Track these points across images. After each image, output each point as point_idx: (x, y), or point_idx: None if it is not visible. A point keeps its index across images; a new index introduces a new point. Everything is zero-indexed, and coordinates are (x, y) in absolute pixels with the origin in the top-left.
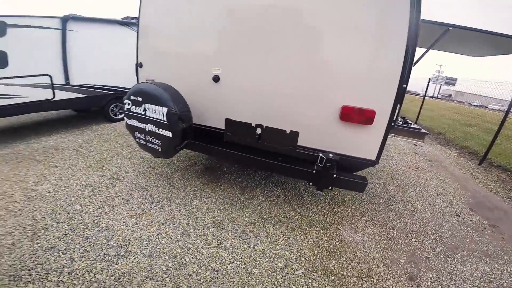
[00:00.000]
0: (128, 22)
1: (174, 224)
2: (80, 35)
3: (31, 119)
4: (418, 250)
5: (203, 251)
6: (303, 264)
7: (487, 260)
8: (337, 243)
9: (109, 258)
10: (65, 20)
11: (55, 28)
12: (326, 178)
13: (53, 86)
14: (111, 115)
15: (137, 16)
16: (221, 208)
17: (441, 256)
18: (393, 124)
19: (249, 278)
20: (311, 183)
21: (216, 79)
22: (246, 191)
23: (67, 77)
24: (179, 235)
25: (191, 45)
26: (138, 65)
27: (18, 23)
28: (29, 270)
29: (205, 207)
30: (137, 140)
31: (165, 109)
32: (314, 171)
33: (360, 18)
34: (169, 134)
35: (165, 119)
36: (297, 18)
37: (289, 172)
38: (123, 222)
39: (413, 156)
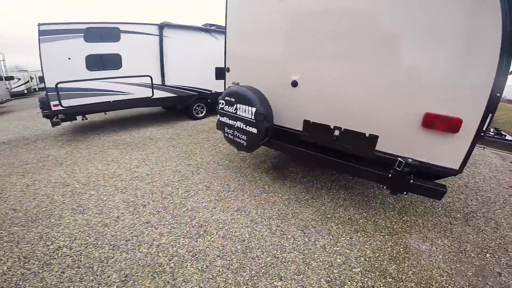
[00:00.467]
0: (209, 29)
1: (245, 212)
2: (173, 40)
3: (131, 114)
4: (491, 265)
5: (267, 238)
6: (362, 263)
7: None
8: (401, 249)
9: (191, 235)
10: (161, 27)
11: (154, 34)
12: (402, 183)
13: (152, 86)
14: (194, 113)
15: (215, 23)
16: (286, 203)
17: None
18: (482, 134)
19: (306, 268)
20: (384, 187)
21: (294, 84)
22: (311, 191)
23: (163, 78)
24: (248, 222)
25: (271, 53)
26: (226, 70)
27: (128, 29)
28: (126, 241)
29: (272, 200)
30: (226, 134)
31: (253, 109)
32: (389, 175)
33: (448, 23)
34: (254, 131)
35: (252, 117)
36: (380, 23)
37: (362, 174)
38: (204, 206)
39: (508, 174)
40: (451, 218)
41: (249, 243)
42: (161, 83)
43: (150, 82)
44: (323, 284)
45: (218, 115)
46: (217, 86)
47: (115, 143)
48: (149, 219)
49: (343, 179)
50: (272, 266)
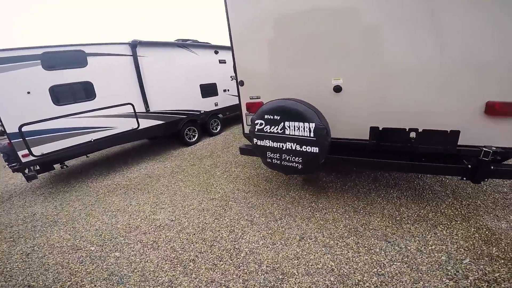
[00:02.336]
0: (186, 44)
1: (311, 239)
2: (149, 59)
3: (112, 151)
4: None
5: (356, 259)
6: (465, 254)
7: None
8: (487, 232)
9: (272, 284)
10: (134, 45)
11: (127, 55)
12: (484, 171)
13: (136, 115)
14: (186, 139)
15: (188, 38)
16: (347, 216)
17: None
18: None
19: (419, 274)
20: (464, 178)
21: (337, 89)
22: (361, 198)
23: (147, 105)
24: (323, 249)
25: (300, 58)
26: (239, 83)
27: (95, 51)
28: None
29: (330, 218)
30: (268, 160)
31: (312, 125)
32: (469, 166)
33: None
34: (315, 150)
35: (312, 135)
36: (435, 11)
37: (440, 171)
38: (262, 244)
39: None
40: (502, 194)
41: (340, 271)
42: (145, 111)
43: (133, 111)
44: (449, 283)
45: (254, 139)
46: (205, 105)
47: (110, 188)
48: (212, 277)
49: (382, 178)
50: (384, 284)
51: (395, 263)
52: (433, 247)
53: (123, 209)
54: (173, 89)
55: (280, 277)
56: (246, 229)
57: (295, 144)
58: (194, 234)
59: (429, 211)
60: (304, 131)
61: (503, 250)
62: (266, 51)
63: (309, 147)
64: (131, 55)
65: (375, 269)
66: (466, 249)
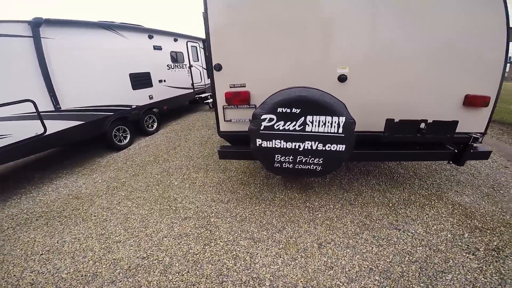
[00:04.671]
0: (112, 25)
1: (329, 243)
2: (59, 43)
3: (2, 167)
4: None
5: (384, 253)
6: (461, 229)
7: None
8: (461, 207)
9: None
10: (37, 24)
11: (24, 36)
12: (467, 154)
13: (40, 115)
14: (115, 141)
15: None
16: (347, 211)
17: None
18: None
19: (443, 253)
20: (450, 161)
21: (342, 78)
22: (347, 189)
23: (56, 101)
24: (348, 250)
25: (304, 40)
26: (215, 68)
27: None
28: None
29: (333, 216)
30: (277, 165)
31: (342, 119)
32: (456, 151)
33: (468, 20)
34: (341, 147)
35: (340, 131)
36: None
37: (435, 156)
38: (282, 263)
39: None
40: (447, 171)
41: (378, 268)
42: (54, 109)
43: (34, 110)
44: (470, 256)
45: (257, 139)
46: (137, 99)
47: (19, 220)
48: None
49: (353, 166)
50: (424, 269)
51: (418, 248)
52: (434, 227)
53: (57, 249)
54: (95, 79)
55: None
56: (252, 250)
57: (316, 142)
58: (188, 272)
59: (410, 194)
60: (331, 126)
61: (482, 221)
62: (258, 28)
63: (334, 145)
64: (30, 36)
65: (407, 258)
66: (458, 224)
